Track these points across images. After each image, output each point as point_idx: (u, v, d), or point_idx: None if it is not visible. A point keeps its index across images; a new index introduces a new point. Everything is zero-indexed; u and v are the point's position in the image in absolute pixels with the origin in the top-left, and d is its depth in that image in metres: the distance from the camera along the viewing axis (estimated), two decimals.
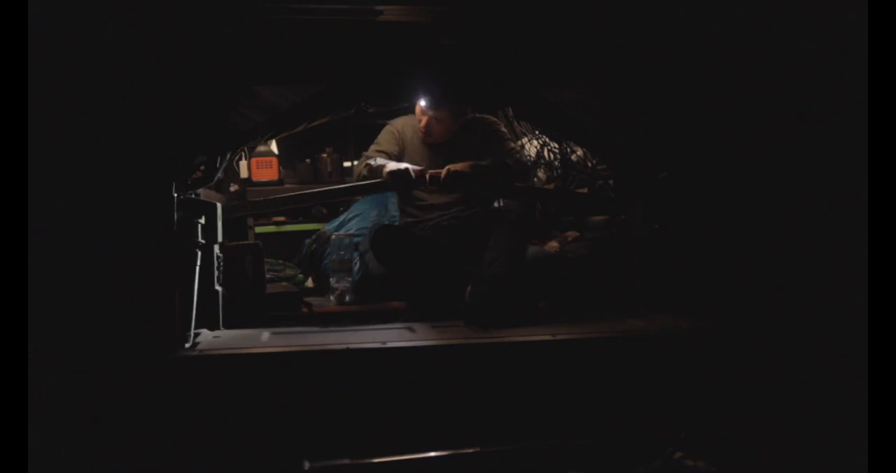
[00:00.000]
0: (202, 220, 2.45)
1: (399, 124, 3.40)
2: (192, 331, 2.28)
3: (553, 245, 3.33)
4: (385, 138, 3.35)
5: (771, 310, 2.40)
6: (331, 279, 3.13)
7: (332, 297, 3.07)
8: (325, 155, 4.35)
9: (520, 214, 2.91)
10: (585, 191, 3.49)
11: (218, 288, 2.56)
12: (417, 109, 3.31)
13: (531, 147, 4.11)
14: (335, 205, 4.17)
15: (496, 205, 3.41)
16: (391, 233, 3.09)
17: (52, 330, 1.98)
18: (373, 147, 3.33)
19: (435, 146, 3.33)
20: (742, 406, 2.26)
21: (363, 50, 2.41)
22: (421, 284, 2.99)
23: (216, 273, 2.55)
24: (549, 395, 2.23)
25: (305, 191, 3.51)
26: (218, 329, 2.51)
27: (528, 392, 2.23)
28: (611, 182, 3.22)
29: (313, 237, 3.80)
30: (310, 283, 3.64)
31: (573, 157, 3.67)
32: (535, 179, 4.09)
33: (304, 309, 2.97)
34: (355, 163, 4.45)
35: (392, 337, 2.36)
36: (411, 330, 2.53)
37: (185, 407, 2.05)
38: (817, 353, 2.31)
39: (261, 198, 3.48)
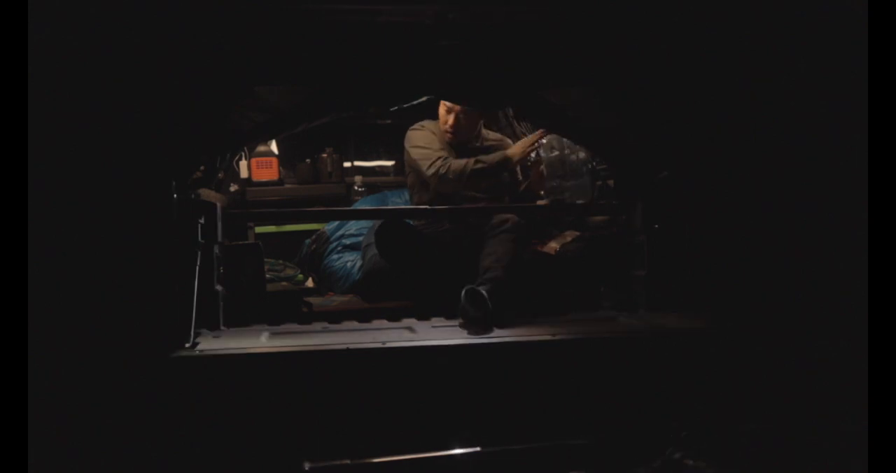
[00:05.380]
0: (202, 220, 2.45)
1: (429, 126, 3.42)
2: (192, 331, 2.28)
3: (553, 245, 3.33)
4: (430, 140, 3.34)
5: (771, 310, 2.40)
6: None
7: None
8: (325, 155, 4.35)
9: (517, 222, 2.94)
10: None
11: (218, 288, 2.56)
12: (442, 109, 3.33)
13: None
14: (335, 203, 4.18)
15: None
16: (395, 229, 3.10)
17: (51, 330, 1.98)
18: (430, 152, 3.28)
19: (460, 149, 3.38)
20: (742, 406, 2.26)
21: (363, 50, 2.41)
22: (424, 281, 3.00)
23: (216, 273, 2.56)
24: (549, 395, 2.23)
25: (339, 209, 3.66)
26: (218, 329, 2.51)
27: (528, 392, 2.23)
28: (611, 182, 3.22)
29: (313, 237, 3.82)
30: (310, 283, 3.64)
31: (574, 158, 3.67)
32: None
33: (304, 309, 2.97)
34: (356, 163, 4.49)
35: (392, 337, 2.36)
36: (411, 330, 2.53)
37: (185, 408, 2.05)
38: (818, 353, 2.31)
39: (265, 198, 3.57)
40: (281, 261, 3.66)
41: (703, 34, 2.43)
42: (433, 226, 3.23)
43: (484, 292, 2.54)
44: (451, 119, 3.30)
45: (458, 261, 2.97)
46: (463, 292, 2.54)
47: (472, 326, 2.50)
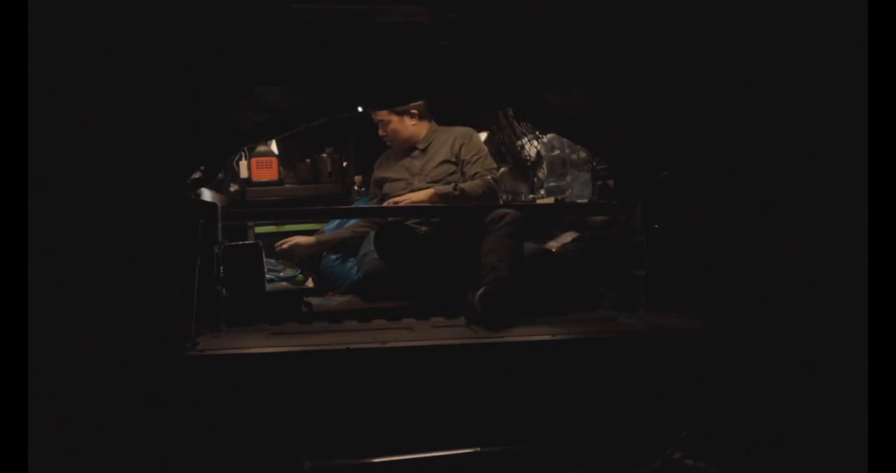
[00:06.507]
0: (202, 220, 2.44)
1: (385, 153, 3.67)
2: (193, 331, 2.28)
3: (553, 244, 3.33)
4: (373, 172, 3.67)
5: (771, 310, 2.40)
6: None
7: None
8: (325, 155, 4.34)
9: (516, 217, 2.92)
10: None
11: (218, 288, 2.56)
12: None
13: (531, 147, 4.11)
14: (335, 203, 4.17)
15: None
16: (396, 232, 3.10)
17: (51, 330, 1.98)
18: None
19: (407, 157, 3.51)
20: (742, 406, 2.26)
21: (363, 50, 2.41)
22: (424, 283, 3.00)
23: (216, 273, 2.55)
24: (550, 395, 2.23)
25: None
26: (218, 329, 2.51)
27: (528, 392, 2.23)
28: (611, 182, 3.22)
29: None
30: (310, 283, 3.64)
31: (574, 157, 3.68)
32: (535, 179, 4.10)
33: (304, 309, 2.97)
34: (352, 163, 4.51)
35: (392, 337, 2.36)
36: (411, 329, 2.53)
37: (186, 407, 2.05)
38: (818, 353, 2.31)
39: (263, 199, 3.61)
40: (281, 261, 3.65)
41: (703, 34, 2.43)
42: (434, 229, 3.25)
43: (492, 293, 2.55)
44: (380, 131, 3.54)
45: (457, 261, 2.97)
46: (477, 295, 2.55)
47: (472, 326, 2.50)
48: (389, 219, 3.33)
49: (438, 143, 3.50)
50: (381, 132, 3.54)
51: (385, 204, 3.31)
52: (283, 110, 2.54)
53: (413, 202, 3.23)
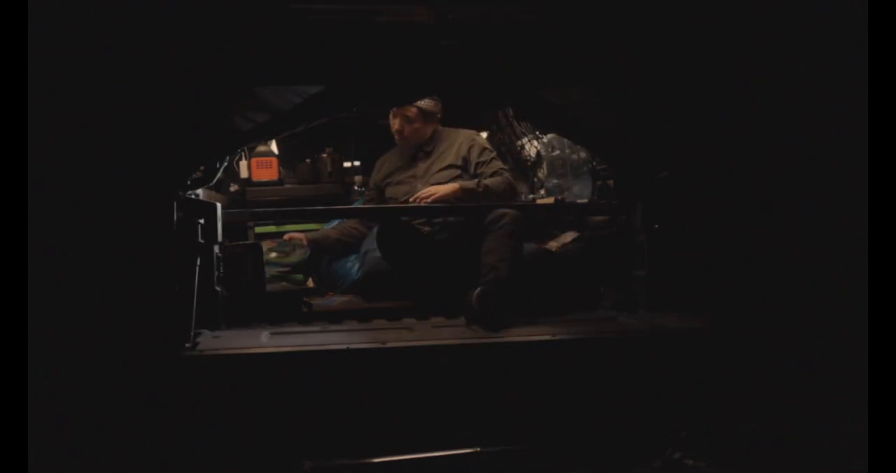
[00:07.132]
0: (202, 221, 2.45)
1: (386, 154, 3.65)
2: (192, 331, 2.28)
3: (553, 244, 3.33)
4: (375, 170, 3.66)
5: (771, 310, 2.40)
6: None
7: None
8: (325, 155, 4.35)
9: (515, 217, 2.92)
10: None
11: (218, 288, 2.56)
12: (391, 113, 3.47)
13: (531, 147, 4.11)
14: (335, 203, 4.18)
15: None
16: (397, 230, 3.10)
17: (51, 330, 1.98)
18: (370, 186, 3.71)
19: (412, 159, 3.49)
20: (742, 406, 2.26)
21: (363, 50, 2.41)
22: (424, 281, 3.00)
23: (216, 273, 2.55)
24: (549, 395, 2.23)
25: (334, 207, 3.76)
26: (218, 329, 2.51)
27: (528, 392, 2.23)
28: (611, 182, 3.22)
29: None
30: (310, 283, 3.64)
31: (574, 157, 3.68)
32: (535, 179, 4.10)
33: (304, 309, 2.97)
34: (356, 163, 4.51)
35: (392, 337, 2.36)
36: (411, 329, 2.53)
37: (186, 407, 2.05)
38: (818, 353, 2.31)
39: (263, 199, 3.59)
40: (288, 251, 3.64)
41: (703, 34, 2.43)
42: (435, 227, 3.24)
43: (492, 293, 2.55)
44: (395, 124, 3.45)
45: (458, 261, 2.97)
46: (475, 294, 2.55)
47: (472, 326, 2.50)
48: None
49: (444, 146, 3.48)
50: (396, 127, 3.45)
51: (411, 199, 3.28)
52: (283, 110, 2.54)
53: (438, 196, 3.20)
